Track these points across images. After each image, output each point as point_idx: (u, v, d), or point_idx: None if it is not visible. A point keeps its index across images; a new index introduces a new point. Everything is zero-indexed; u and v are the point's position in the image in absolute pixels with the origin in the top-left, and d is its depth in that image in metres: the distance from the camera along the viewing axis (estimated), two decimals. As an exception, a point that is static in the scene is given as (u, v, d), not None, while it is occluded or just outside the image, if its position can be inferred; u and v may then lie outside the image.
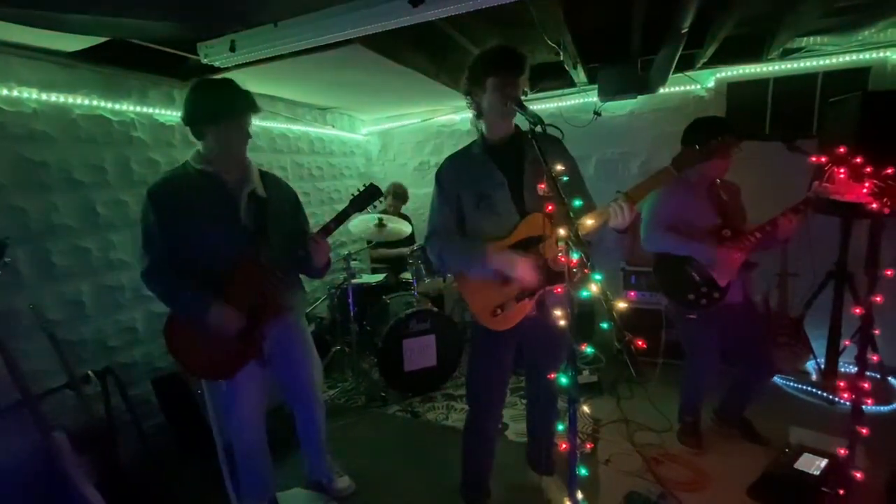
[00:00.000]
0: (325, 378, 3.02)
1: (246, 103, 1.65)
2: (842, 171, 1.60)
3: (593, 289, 1.10)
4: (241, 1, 1.84)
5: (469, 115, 1.73)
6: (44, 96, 2.19)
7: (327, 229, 1.77)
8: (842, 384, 1.67)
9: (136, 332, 2.62)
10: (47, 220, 2.22)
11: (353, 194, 1.84)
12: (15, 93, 2.09)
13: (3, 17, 1.68)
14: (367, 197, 1.83)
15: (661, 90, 3.24)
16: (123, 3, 1.71)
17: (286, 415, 2.16)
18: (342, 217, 1.80)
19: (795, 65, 3.13)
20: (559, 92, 3.83)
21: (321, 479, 2.17)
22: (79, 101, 2.33)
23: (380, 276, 3.80)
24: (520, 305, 1.62)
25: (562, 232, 1.22)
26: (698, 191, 2.17)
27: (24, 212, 2.13)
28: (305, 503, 2.13)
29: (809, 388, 2.86)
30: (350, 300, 3.28)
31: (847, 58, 3.00)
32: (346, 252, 3.42)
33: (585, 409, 1.30)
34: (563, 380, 1.29)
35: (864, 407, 1.60)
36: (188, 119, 1.63)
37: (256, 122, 3.34)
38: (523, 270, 1.53)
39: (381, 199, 1.88)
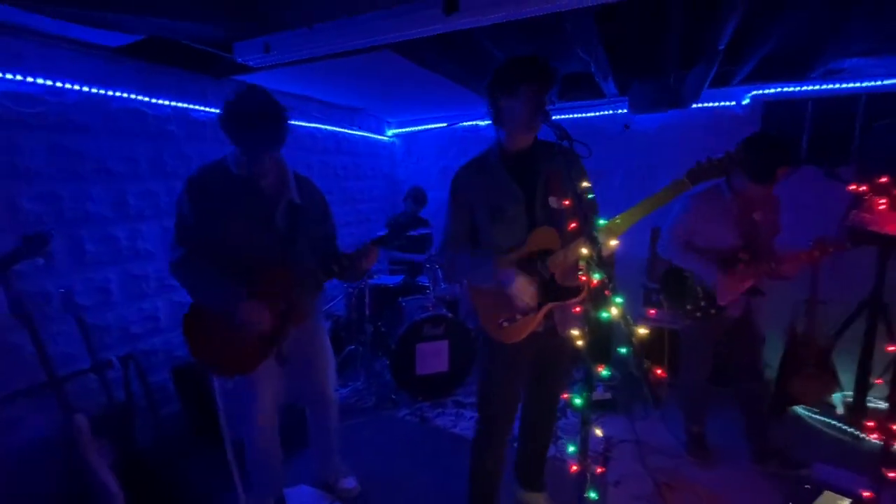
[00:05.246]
0: (338, 376, 3.06)
1: (278, 138, 1.63)
2: (882, 201, 1.53)
3: (613, 312, 1.08)
4: (276, 6, 1.87)
5: None
6: (85, 88, 2.27)
7: (383, 241, 1.79)
8: (871, 424, 1.60)
9: (158, 321, 2.68)
10: (81, 208, 2.30)
11: (389, 222, 1.87)
12: (58, 84, 2.17)
13: (43, 13, 1.75)
14: (405, 224, 1.91)
15: (694, 105, 3.17)
16: (161, 6, 1.76)
17: (298, 411, 2.18)
18: (383, 241, 1.82)
19: (837, 85, 3.02)
20: (588, 102, 3.79)
21: (329, 478, 2.18)
22: (118, 94, 2.40)
23: (397, 278, 3.82)
24: (526, 319, 1.60)
25: (584, 251, 1.20)
26: (728, 208, 2.12)
27: (61, 199, 2.21)
28: (311, 501, 2.14)
29: (834, 422, 2.75)
30: (366, 300, 3.31)
31: (894, 80, 2.88)
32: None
33: (598, 432, 1.27)
34: (578, 401, 1.27)
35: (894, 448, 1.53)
36: (224, 129, 1.61)
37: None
38: (519, 290, 1.52)
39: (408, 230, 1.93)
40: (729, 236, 2.11)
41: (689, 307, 2.22)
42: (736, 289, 2.07)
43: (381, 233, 1.85)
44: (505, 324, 1.60)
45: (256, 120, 1.57)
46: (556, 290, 1.58)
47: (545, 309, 1.61)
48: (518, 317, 1.59)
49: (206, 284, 1.66)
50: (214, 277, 1.64)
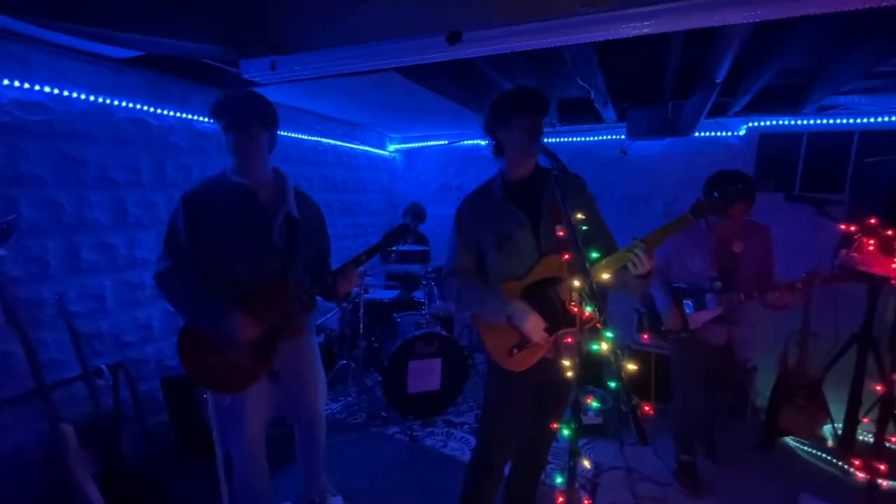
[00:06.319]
0: (329, 390, 3.04)
1: (250, 114, 1.60)
2: (871, 242, 1.56)
3: (604, 347, 1.09)
4: (284, 35, 1.91)
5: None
6: (91, 98, 2.29)
7: (359, 261, 1.79)
8: (857, 462, 1.61)
9: (151, 330, 2.68)
10: (81, 216, 2.30)
11: (385, 233, 1.88)
12: (65, 93, 2.20)
13: (49, 27, 1.78)
14: (398, 234, 1.88)
15: (691, 134, 3.22)
16: (168, 28, 1.79)
17: (285, 426, 2.16)
18: (373, 251, 1.83)
19: (831, 121, 3.08)
20: (587, 127, 3.85)
21: (314, 497, 2.16)
22: (123, 104, 2.43)
23: (392, 293, 3.82)
24: (536, 346, 1.60)
25: (576, 283, 1.21)
26: (704, 240, 2.23)
27: (60, 206, 2.22)
28: (296, 520, 2.12)
29: (824, 455, 2.74)
30: (360, 314, 3.30)
31: (886, 118, 2.94)
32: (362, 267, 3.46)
33: (586, 464, 1.27)
34: (566, 431, 1.27)
35: (882, 482, 1.53)
36: (215, 117, 1.63)
37: (288, 134, 3.46)
38: (532, 328, 1.52)
39: (408, 238, 1.94)
40: (705, 267, 2.21)
41: (663, 329, 2.34)
42: (699, 318, 2.21)
43: (374, 242, 1.86)
44: (515, 352, 1.60)
45: (243, 97, 1.64)
46: (566, 317, 1.58)
47: (556, 336, 1.59)
48: (530, 344, 1.59)
49: (190, 296, 1.64)
50: (200, 290, 1.63)
